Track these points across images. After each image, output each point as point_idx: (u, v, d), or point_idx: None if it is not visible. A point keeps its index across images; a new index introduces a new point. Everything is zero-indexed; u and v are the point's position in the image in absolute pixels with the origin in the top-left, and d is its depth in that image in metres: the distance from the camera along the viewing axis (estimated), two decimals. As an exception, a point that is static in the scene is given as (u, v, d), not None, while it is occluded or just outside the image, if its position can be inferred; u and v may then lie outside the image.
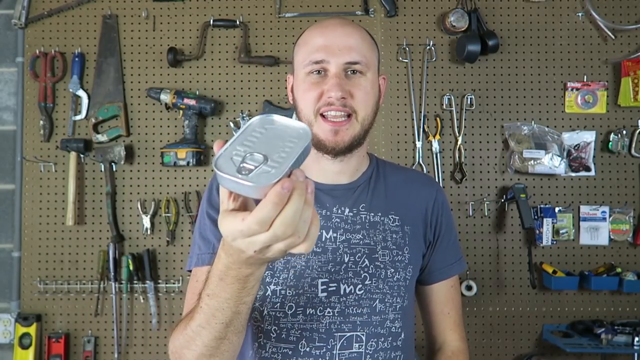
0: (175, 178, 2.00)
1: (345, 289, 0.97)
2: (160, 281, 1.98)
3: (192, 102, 1.93)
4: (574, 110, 2.00)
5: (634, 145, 1.97)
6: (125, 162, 1.97)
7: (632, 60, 1.96)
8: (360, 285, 0.98)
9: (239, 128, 1.98)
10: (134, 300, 1.98)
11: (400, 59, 2.01)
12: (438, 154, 1.99)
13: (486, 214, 1.98)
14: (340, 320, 0.96)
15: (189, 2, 2.02)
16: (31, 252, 1.99)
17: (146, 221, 1.97)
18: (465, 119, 2.00)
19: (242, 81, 2.02)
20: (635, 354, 1.82)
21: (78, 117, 2.01)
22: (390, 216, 1.04)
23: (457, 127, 2.00)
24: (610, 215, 1.97)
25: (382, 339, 0.99)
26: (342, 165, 1.02)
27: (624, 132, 1.97)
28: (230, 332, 0.77)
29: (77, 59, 2.00)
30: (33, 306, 1.98)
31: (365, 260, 0.99)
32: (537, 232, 1.95)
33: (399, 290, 1.01)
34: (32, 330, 1.93)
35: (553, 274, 1.91)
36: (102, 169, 1.98)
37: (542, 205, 1.97)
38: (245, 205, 0.60)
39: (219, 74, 2.02)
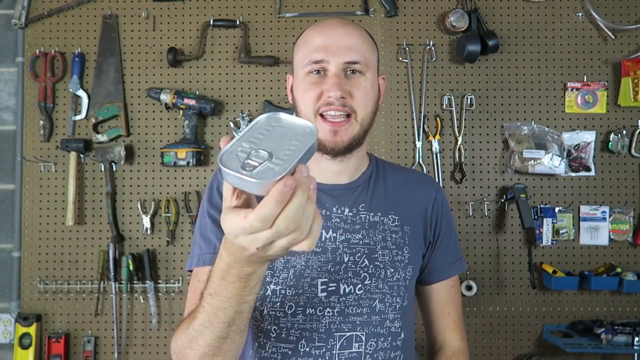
0: (175, 178, 2.00)
1: (344, 289, 0.97)
2: (160, 281, 1.98)
3: (192, 102, 1.93)
4: (574, 110, 2.00)
5: (634, 145, 1.97)
6: (125, 162, 1.97)
7: (632, 60, 1.96)
8: (359, 285, 0.98)
9: (239, 128, 1.98)
10: (134, 300, 1.98)
11: (400, 59, 2.01)
12: (438, 154, 1.99)
13: (486, 214, 1.98)
14: (340, 320, 0.96)
15: (189, 2, 2.02)
16: (31, 252, 1.99)
17: (146, 221, 1.97)
18: (465, 119, 2.00)
19: (242, 81, 2.02)
20: (635, 354, 1.82)
21: (78, 117, 2.01)
22: (390, 216, 1.04)
23: (457, 127, 2.00)
24: (610, 215, 1.97)
25: (382, 338, 0.98)
26: (341, 165, 1.02)
27: (624, 132, 1.97)
28: (232, 331, 0.77)
29: (77, 59, 2.00)
30: (33, 306, 1.98)
31: (365, 260, 0.99)
32: (537, 232, 1.95)
33: (399, 290, 1.01)
34: (32, 330, 1.93)
35: (553, 274, 1.91)
36: (102, 169, 1.98)
37: (542, 205, 1.97)
38: (248, 202, 0.60)
39: (219, 74, 2.02)
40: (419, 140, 2.00)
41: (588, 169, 1.98)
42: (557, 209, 1.97)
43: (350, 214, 1.02)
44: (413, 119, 2.00)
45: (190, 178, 2.00)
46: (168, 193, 2.00)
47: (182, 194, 1.99)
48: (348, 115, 0.96)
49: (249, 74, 2.02)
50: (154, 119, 2.02)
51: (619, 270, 1.91)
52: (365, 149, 1.07)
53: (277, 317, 0.96)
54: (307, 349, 0.95)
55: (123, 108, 1.99)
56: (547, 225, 1.95)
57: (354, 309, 0.97)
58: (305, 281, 0.96)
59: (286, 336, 0.96)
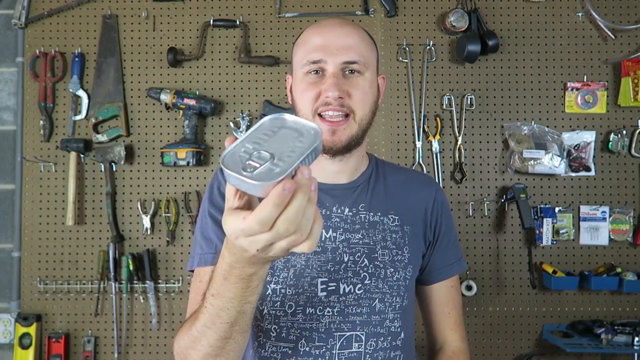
0: (175, 178, 2.00)
1: (344, 289, 0.97)
2: (160, 281, 1.98)
3: (192, 102, 1.93)
4: (574, 110, 2.00)
5: (634, 145, 1.97)
6: (125, 162, 1.97)
7: (632, 60, 1.96)
8: (359, 285, 0.98)
9: (238, 128, 1.98)
10: (134, 300, 1.98)
11: (400, 59, 2.01)
12: (438, 154, 1.99)
13: (486, 214, 1.98)
14: (340, 320, 0.96)
15: (189, 2, 2.03)
16: (31, 252, 1.99)
17: (146, 221, 1.97)
18: (465, 119, 2.00)
19: (242, 81, 2.02)
20: (635, 354, 1.82)
21: (78, 117, 2.01)
22: (389, 216, 1.04)
23: (457, 127, 2.00)
24: (610, 215, 1.97)
25: (382, 338, 0.98)
26: (341, 164, 1.02)
27: (624, 132, 1.97)
28: (235, 332, 0.77)
29: (77, 59, 2.00)
30: (33, 306, 1.98)
31: (365, 259, 0.99)
32: (537, 232, 1.95)
33: (399, 290, 1.01)
34: (32, 330, 1.93)
35: (553, 274, 1.91)
36: (102, 169, 1.98)
37: (542, 205, 1.97)
38: (249, 203, 0.60)
39: (219, 74, 2.02)
40: (419, 140, 2.00)
41: (588, 169, 1.98)
42: (557, 209, 1.97)
43: (350, 213, 1.02)
44: (413, 119, 2.00)
45: (190, 178, 2.00)
46: (168, 193, 2.00)
47: (182, 194, 1.99)
48: (346, 115, 0.96)
49: (249, 74, 2.02)
50: (154, 119, 2.02)
51: (619, 270, 1.91)
52: (365, 149, 1.07)
53: (277, 316, 0.96)
54: (307, 349, 0.95)
55: (123, 108, 1.99)
56: (547, 225, 1.95)
57: (353, 308, 0.97)
58: (305, 280, 0.96)
59: (286, 335, 0.96)
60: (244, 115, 1.98)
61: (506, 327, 1.98)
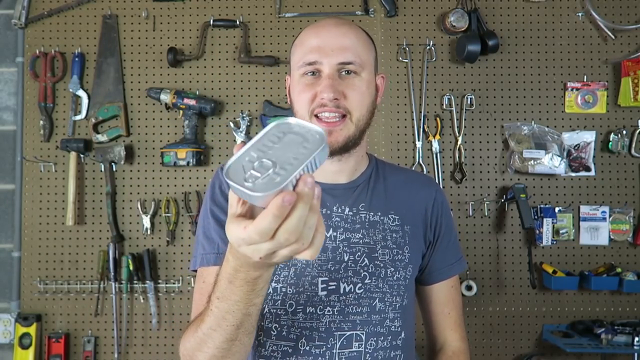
0: (175, 178, 2.00)
1: (345, 288, 0.97)
2: (160, 281, 1.98)
3: (192, 102, 1.93)
4: (574, 110, 2.00)
5: (634, 145, 1.97)
6: (125, 162, 1.97)
7: (632, 60, 1.96)
8: (360, 284, 0.98)
9: (238, 128, 1.98)
10: (134, 300, 1.98)
11: (400, 59, 2.01)
12: (438, 154, 1.99)
13: (486, 214, 1.98)
14: (340, 319, 0.96)
15: (189, 2, 2.03)
16: (31, 252, 1.99)
17: (146, 221, 1.97)
18: (465, 119, 2.00)
19: (242, 81, 2.02)
20: (635, 354, 1.82)
21: (78, 117, 2.01)
22: (390, 216, 1.04)
23: (457, 127, 2.00)
24: (610, 215, 1.97)
25: (382, 338, 0.98)
26: (340, 164, 1.02)
27: (624, 132, 1.97)
28: (241, 334, 0.77)
29: (77, 59, 2.00)
30: (33, 306, 1.98)
31: (365, 259, 0.99)
32: (537, 232, 1.95)
33: (399, 290, 1.01)
34: (32, 330, 1.93)
35: (553, 274, 1.91)
36: (102, 169, 1.98)
37: (542, 205, 1.97)
38: (252, 210, 0.59)
39: (219, 74, 2.02)
40: (419, 140, 2.00)
41: (588, 169, 1.98)
42: (557, 209, 1.97)
43: (351, 213, 1.02)
44: (413, 119, 2.00)
45: (190, 178, 2.00)
46: (168, 193, 2.00)
47: (182, 194, 1.99)
48: (343, 116, 0.96)
49: (249, 74, 2.02)
50: (154, 119, 2.02)
51: (619, 270, 1.91)
52: (364, 149, 1.07)
53: (277, 315, 0.96)
54: (307, 348, 0.95)
55: (123, 108, 1.99)
56: (547, 225, 1.95)
57: (354, 307, 0.97)
58: (306, 280, 0.97)
59: (286, 334, 0.96)
60: (244, 115, 1.98)
61: (506, 327, 1.98)
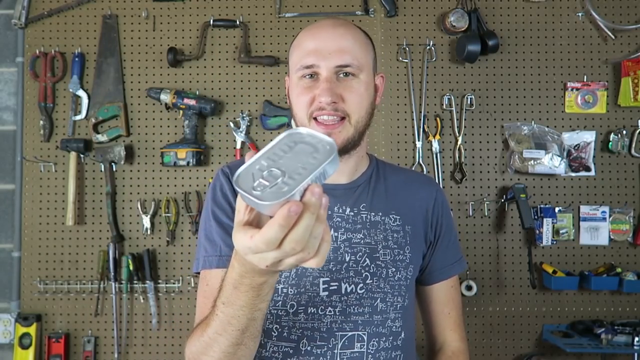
0: (175, 178, 2.00)
1: (346, 288, 0.97)
2: (160, 281, 1.98)
3: (192, 102, 1.93)
4: (574, 110, 2.00)
5: (634, 145, 1.97)
6: (125, 162, 1.96)
7: (632, 60, 1.96)
8: (361, 285, 0.98)
9: (238, 128, 1.98)
10: (134, 300, 1.98)
11: (400, 59, 2.01)
12: (438, 154, 1.99)
13: (486, 214, 1.98)
14: (342, 320, 0.96)
15: (189, 2, 2.02)
16: (31, 252, 1.99)
17: (146, 221, 1.97)
18: (465, 119, 2.00)
19: (242, 81, 2.02)
20: (635, 354, 1.82)
21: (78, 117, 2.01)
22: (391, 216, 1.04)
23: (457, 127, 2.00)
24: (610, 215, 1.97)
25: (384, 338, 0.99)
26: (340, 165, 1.02)
27: (624, 132, 1.97)
28: (246, 338, 0.78)
29: (77, 59, 2.00)
30: (33, 306, 1.98)
31: (366, 259, 0.99)
32: (537, 232, 1.95)
33: (400, 290, 1.01)
34: (32, 330, 1.93)
35: (553, 274, 1.91)
36: (102, 169, 1.98)
37: (542, 205, 1.97)
38: (259, 218, 0.60)
39: (219, 74, 2.02)
40: (419, 140, 2.00)
41: (588, 169, 1.98)
42: (557, 209, 1.97)
43: (352, 213, 1.02)
44: (413, 119, 2.00)
45: (190, 178, 2.00)
46: (168, 193, 2.00)
47: (182, 194, 1.99)
48: (342, 118, 0.96)
49: (249, 74, 2.02)
50: (154, 119, 2.01)
51: (619, 270, 1.91)
52: (364, 150, 1.07)
53: (278, 315, 0.96)
54: (309, 348, 0.95)
55: (123, 108, 1.99)
56: (547, 225, 1.95)
57: (355, 308, 0.97)
58: (307, 280, 0.97)
59: (287, 335, 0.96)
60: (244, 115, 1.98)
61: (506, 327, 1.99)
